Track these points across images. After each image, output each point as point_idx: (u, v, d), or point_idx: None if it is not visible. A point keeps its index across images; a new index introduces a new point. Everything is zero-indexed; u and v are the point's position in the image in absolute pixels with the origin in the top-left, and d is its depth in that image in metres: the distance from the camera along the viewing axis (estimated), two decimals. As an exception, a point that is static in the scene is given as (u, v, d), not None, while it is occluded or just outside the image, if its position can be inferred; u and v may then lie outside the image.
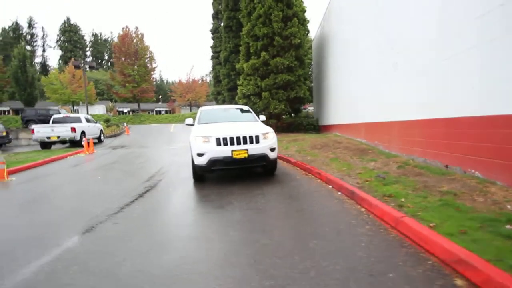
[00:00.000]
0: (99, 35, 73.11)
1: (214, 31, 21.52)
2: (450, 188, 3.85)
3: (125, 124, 23.14)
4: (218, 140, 5.16)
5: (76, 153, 11.13)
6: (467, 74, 4.30)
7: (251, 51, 14.30)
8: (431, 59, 5.12)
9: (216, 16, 21.46)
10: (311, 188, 4.79)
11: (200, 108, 7.27)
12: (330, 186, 4.77)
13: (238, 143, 5.19)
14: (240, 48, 15.43)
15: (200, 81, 48.90)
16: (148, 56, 37.89)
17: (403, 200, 3.62)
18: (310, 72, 18.31)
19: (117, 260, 2.46)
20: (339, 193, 4.33)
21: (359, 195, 3.75)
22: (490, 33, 3.83)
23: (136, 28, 36.58)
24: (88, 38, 70.55)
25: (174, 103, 51.51)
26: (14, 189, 5.85)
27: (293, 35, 13.13)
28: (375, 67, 7.51)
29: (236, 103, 18.42)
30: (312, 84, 17.83)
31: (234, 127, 5.68)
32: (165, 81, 75.29)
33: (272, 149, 5.53)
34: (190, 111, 47.94)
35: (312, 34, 17.45)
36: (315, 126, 15.55)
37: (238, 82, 15.07)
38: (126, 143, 15.66)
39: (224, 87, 17.89)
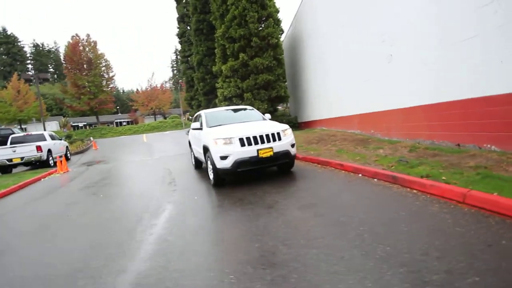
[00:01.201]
0: (41, 45, 66.35)
1: (181, 35, 20.85)
2: (477, 163, 4.18)
3: (91, 138, 21.29)
4: (241, 140, 4.99)
5: (49, 174, 9.91)
6: (470, 58, 4.74)
7: (228, 53, 14.14)
8: (432, 47, 5.53)
9: (182, 20, 20.80)
10: (345, 180, 4.83)
11: (202, 111, 6.96)
12: (360, 175, 4.88)
13: (262, 141, 5.07)
14: (215, 50, 15.17)
15: (162, 88, 46.96)
16: (103, 64, 35.42)
17: (444, 178, 3.83)
18: (283, 72, 18.60)
19: None
20: (375, 180, 4.45)
21: (404, 178, 3.89)
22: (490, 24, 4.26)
23: (88, 35, 34.04)
24: (28, 49, 63.64)
25: (136, 113, 48.84)
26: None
27: (270, 35, 13.26)
28: (367, 61, 7.89)
29: (214, 107, 18.05)
30: (286, 83, 18.18)
31: (251, 127, 5.54)
32: (121, 91, 70.90)
33: (292, 145, 5.51)
34: (155, 120, 45.85)
35: (282, 34, 17.77)
36: (294, 124, 15.83)
37: (217, 85, 14.79)
38: (99, 158, 14.39)
39: (200, 92, 17.40)
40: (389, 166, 5.04)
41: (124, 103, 62.53)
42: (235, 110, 7.08)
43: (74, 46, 33.12)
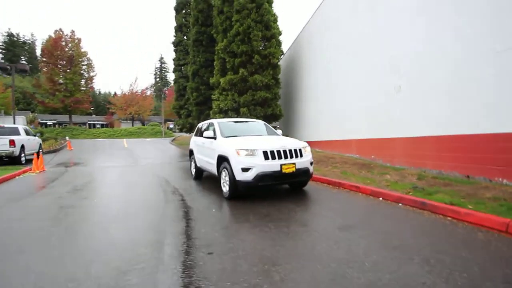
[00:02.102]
0: (16, 36, 62.21)
1: (177, 44, 20.65)
2: (494, 195, 4.39)
3: (67, 138, 19.77)
4: (265, 153, 4.85)
5: (24, 172, 8.91)
6: (483, 95, 5.12)
7: (228, 67, 14.18)
8: (444, 81, 5.92)
9: (180, 29, 20.70)
10: (367, 202, 4.81)
11: (214, 121, 6.76)
12: (381, 198, 4.91)
13: (286, 156, 4.98)
14: (215, 63, 15.15)
15: (143, 94, 45.59)
16: (85, 63, 33.88)
17: (471, 207, 3.96)
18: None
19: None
20: (400, 204, 4.49)
21: (435, 205, 3.96)
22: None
23: (72, 31, 32.55)
24: (0, 38, 59.31)
25: (113, 116, 46.65)
26: None
27: (272, 55, 13.55)
28: (372, 89, 8.26)
29: (205, 118, 17.74)
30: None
31: (272, 140, 5.44)
32: (98, 92, 67.80)
33: (311, 163, 5.46)
34: (133, 125, 44.02)
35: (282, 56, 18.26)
36: (285, 143, 15.99)
37: (213, 97, 14.64)
38: (76, 159, 13.31)
39: (192, 101, 17.07)
40: (407, 192, 5.15)
41: (100, 105, 59.76)
42: (247, 122, 6.96)
43: (56, 41, 31.41)
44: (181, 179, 7.88)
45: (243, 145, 5.00)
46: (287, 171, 4.89)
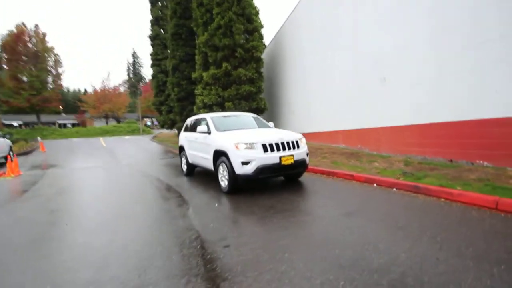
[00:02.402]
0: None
1: (154, 37, 19.85)
2: (478, 176, 4.75)
3: (39, 139, 18.52)
4: (264, 146, 4.89)
5: (-1, 176, 8.31)
6: (466, 85, 5.49)
7: (210, 61, 13.95)
8: (423, 72, 6.25)
9: (156, 22, 19.89)
10: (363, 189, 5.01)
11: (207, 115, 6.67)
12: (375, 185, 5.14)
13: (284, 148, 5.05)
14: (196, 57, 14.84)
15: (116, 91, 43.66)
16: (52, 59, 31.80)
17: (459, 188, 4.27)
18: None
19: None
20: (394, 189, 4.73)
21: (428, 188, 4.23)
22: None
23: (36, 26, 30.32)
24: None
25: (85, 115, 44.35)
26: None
27: (255, 48, 13.49)
28: (357, 81, 8.53)
29: (188, 114, 17.35)
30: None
31: (268, 133, 5.48)
32: (67, 90, 63.91)
33: (307, 154, 5.58)
34: (107, 123, 42.12)
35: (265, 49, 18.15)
36: (269, 136, 16.12)
37: (197, 92, 14.37)
38: (52, 161, 12.56)
39: (173, 97, 16.61)
40: (396, 177, 5.43)
41: (69, 103, 56.47)
42: (239, 116, 6.93)
43: (18, 36, 29.08)
44: (172, 176, 7.73)
45: (242, 139, 5.00)
46: (286, 163, 4.97)
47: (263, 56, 14.20)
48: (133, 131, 35.41)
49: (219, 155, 5.40)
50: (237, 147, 4.89)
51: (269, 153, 4.88)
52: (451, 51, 5.75)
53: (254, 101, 14.07)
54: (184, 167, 7.74)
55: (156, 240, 3.14)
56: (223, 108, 13.77)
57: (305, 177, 6.33)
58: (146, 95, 46.07)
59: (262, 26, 14.09)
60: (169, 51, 18.03)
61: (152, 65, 20.03)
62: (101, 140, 22.10)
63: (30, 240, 3.37)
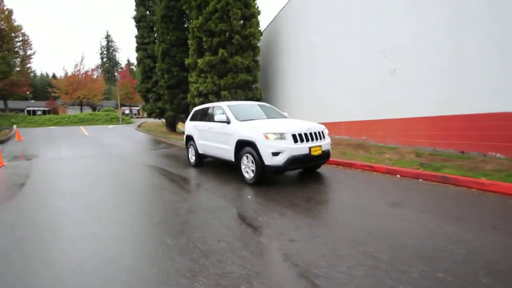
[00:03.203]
0: None
1: (139, 19, 18.57)
2: (494, 167, 4.99)
3: (14, 127, 16.98)
4: (294, 136, 4.80)
5: (-19, 168, 7.51)
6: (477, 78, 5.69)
7: (205, 47, 13.42)
8: (436, 64, 6.40)
9: (141, 3, 18.60)
10: (389, 180, 5.08)
11: (223, 104, 6.39)
12: (398, 176, 5.25)
13: (312, 139, 4.99)
14: (189, 42, 14.19)
15: (89, 76, 41.02)
16: (20, 39, 29.09)
17: (483, 178, 4.46)
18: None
19: None
20: (420, 180, 4.85)
21: (457, 178, 4.37)
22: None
23: (1, 1, 27.36)
24: None
25: (56, 101, 41.42)
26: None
27: (252, 35, 13.14)
28: (365, 73, 8.58)
29: (179, 103, 16.67)
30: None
31: (294, 123, 5.37)
32: (33, 75, 59.02)
33: (330, 145, 5.57)
34: (81, 111, 39.67)
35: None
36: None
37: (190, 79, 13.82)
38: (33, 150, 11.61)
39: (163, 84, 15.85)
40: (415, 168, 5.59)
41: (37, 89, 52.48)
42: (255, 106, 6.74)
43: (-22, 10, 26.15)
44: (179, 167, 7.42)
45: (271, 129, 4.85)
46: (315, 153, 4.91)
47: (259, 44, 13.86)
48: (112, 120, 33.67)
49: (243, 145, 5.23)
50: (266, 137, 4.75)
51: (299, 144, 4.79)
52: (465, 43, 5.91)
53: (250, 91, 13.82)
54: (192, 158, 7.46)
55: (218, 234, 2.97)
56: (219, 97, 13.40)
57: (322, 169, 6.33)
58: (124, 81, 43.87)
59: (259, 13, 13.71)
60: (156, 35, 17.09)
61: (138, 49, 18.89)
62: (82, 129, 20.73)
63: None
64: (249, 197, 4.39)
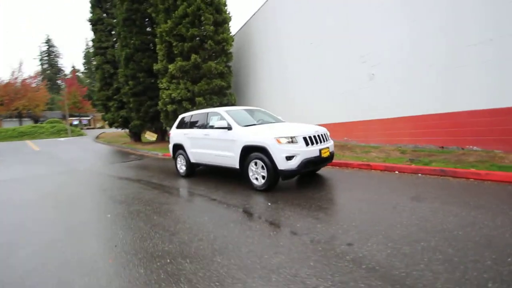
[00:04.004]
0: None
1: (96, 22, 17.01)
2: (476, 159, 5.58)
3: None
4: (305, 139, 4.79)
5: None
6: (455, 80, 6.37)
7: (176, 52, 12.88)
8: (410, 69, 7.01)
9: (97, 4, 17.07)
10: (390, 177, 5.33)
11: (220, 109, 6.13)
12: (397, 172, 5.56)
13: (320, 141, 5.03)
14: (158, 47, 13.50)
15: (32, 84, 36.67)
16: None
17: (473, 169, 4.95)
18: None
19: None
20: (419, 174, 5.20)
21: (454, 170, 4.78)
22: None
23: None
24: None
25: (-13, 113, 35.91)
26: None
27: (225, 41, 13.00)
28: (343, 77, 9.03)
29: (146, 110, 15.61)
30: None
31: (300, 126, 5.35)
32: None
33: (333, 146, 5.68)
34: (20, 124, 34.97)
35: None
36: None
37: (161, 85, 13.09)
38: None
39: (128, 91, 14.73)
40: (406, 163, 5.99)
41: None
42: (251, 111, 6.59)
43: None
44: (167, 178, 6.91)
45: (282, 133, 4.77)
46: (325, 155, 4.96)
47: (231, 50, 13.75)
48: (60, 132, 30.32)
49: (250, 151, 5.06)
50: (279, 142, 4.65)
51: (310, 146, 4.79)
52: (434, 51, 6.59)
53: (225, 97, 13.60)
54: (182, 168, 7.01)
55: (288, 254, 2.76)
56: (193, 104, 12.94)
57: (320, 170, 6.44)
58: (71, 89, 40.05)
59: (230, 19, 13.63)
60: (116, 39, 15.88)
61: (95, 54, 17.31)
62: (30, 143, 18.10)
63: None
64: (269, 204, 4.24)
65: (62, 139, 23.48)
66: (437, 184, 4.58)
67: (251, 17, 14.40)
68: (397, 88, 7.56)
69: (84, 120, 47.36)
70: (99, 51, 16.93)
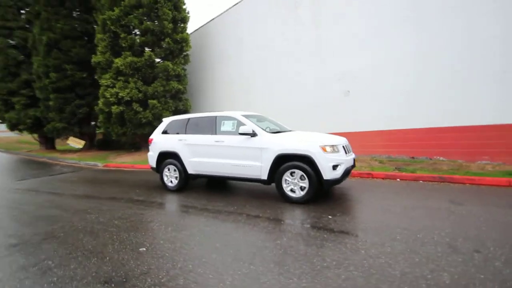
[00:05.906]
0: None
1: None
2: (448, 167, 6.69)
3: None
4: (344, 148, 4.73)
5: None
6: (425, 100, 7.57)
7: (124, 45, 11.07)
8: (382, 87, 8.03)
9: (0, -30, 12.88)
10: (396, 185, 5.77)
11: (234, 113, 5.43)
12: (398, 179, 6.10)
13: (349, 151, 5.07)
14: (98, 36, 11.30)
15: None
16: None
17: (467, 175, 5.89)
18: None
19: None
20: (420, 181, 5.83)
21: (452, 177, 5.57)
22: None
23: None
24: None
25: None
26: None
27: (185, 42, 11.96)
28: (324, 95, 9.52)
29: (73, 111, 12.47)
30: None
31: (329, 135, 5.25)
32: None
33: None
34: None
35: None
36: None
37: (103, 82, 10.87)
38: None
39: (49, 86, 11.55)
40: (395, 172, 6.68)
41: None
42: (260, 117, 6.09)
43: None
44: (151, 194, 5.66)
45: (325, 141, 4.57)
46: (354, 164, 5.01)
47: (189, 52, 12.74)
48: None
49: (285, 160, 4.64)
50: (324, 150, 4.43)
51: (347, 155, 4.75)
52: (400, 74, 7.76)
53: (180, 101, 12.39)
54: (172, 181, 5.88)
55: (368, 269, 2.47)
56: (145, 106, 11.25)
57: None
58: None
59: (188, 19, 12.68)
60: (31, 18, 12.33)
61: (-7, 35, 13.02)
62: None
63: None
64: (330, 217, 3.93)
65: None
66: (443, 189, 5.21)
67: (209, 21, 13.70)
68: (370, 104, 8.45)
69: None
70: (3, 31, 12.81)
